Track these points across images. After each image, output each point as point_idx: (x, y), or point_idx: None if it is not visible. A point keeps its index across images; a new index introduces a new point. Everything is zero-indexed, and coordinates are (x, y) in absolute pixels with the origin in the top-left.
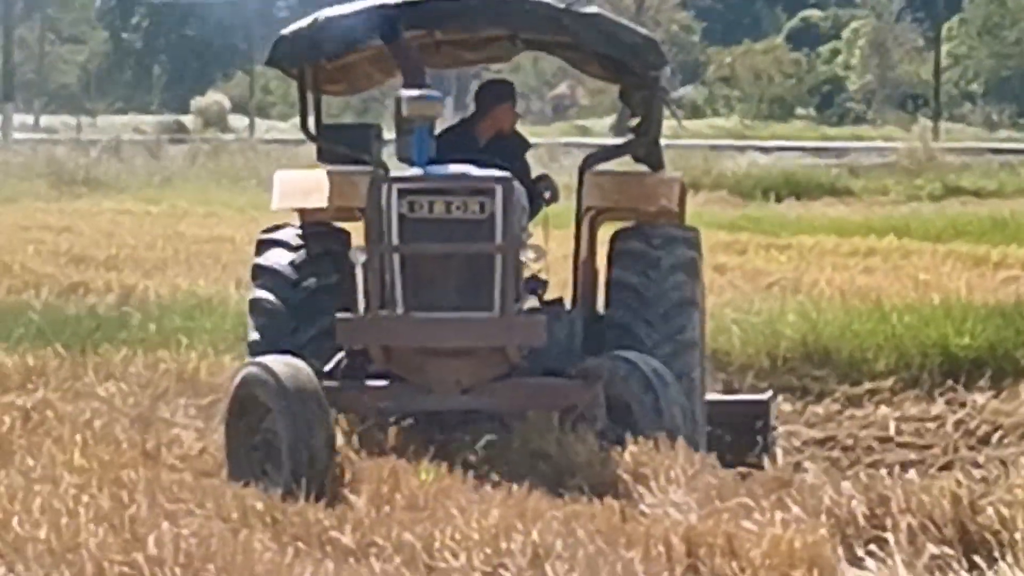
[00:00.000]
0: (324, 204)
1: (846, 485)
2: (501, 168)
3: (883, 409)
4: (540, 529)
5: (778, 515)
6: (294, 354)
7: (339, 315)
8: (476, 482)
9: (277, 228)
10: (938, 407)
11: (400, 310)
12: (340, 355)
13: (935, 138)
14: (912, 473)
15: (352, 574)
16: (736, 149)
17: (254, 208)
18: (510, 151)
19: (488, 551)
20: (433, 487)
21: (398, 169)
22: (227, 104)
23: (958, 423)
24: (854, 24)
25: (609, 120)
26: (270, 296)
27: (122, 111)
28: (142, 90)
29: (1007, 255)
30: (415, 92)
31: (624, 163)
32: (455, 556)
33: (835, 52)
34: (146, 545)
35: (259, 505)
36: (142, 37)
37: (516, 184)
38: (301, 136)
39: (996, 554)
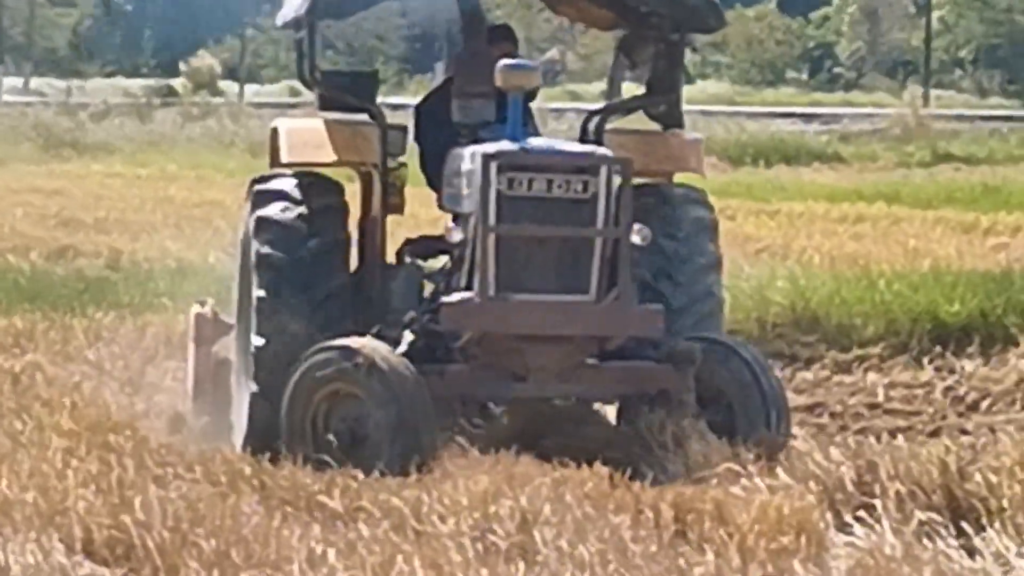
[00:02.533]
0: (334, 158)
1: (834, 451)
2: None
3: (872, 376)
4: (529, 494)
5: (766, 481)
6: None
7: (445, 299)
8: (465, 448)
9: (271, 177)
10: (927, 374)
11: (491, 291)
12: (410, 337)
13: (925, 105)
14: (900, 440)
15: (340, 538)
16: (726, 115)
17: (244, 172)
18: (503, 104)
19: (476, 516)
20: None
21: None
22: (217, 68)
23: (947, 390)
24: None
25: (600, 85)
26: (278, 252)
27: (112, 74)
28: (132, 53)
29: (997, 222)
30: (510, 61)
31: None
32: (443, 521)
33: (826, 18)
34: (134, 508)
35: (247, 469)
36: (132, 0)
37: (622, 163)
38: (291, 100)
39: (984, 520)
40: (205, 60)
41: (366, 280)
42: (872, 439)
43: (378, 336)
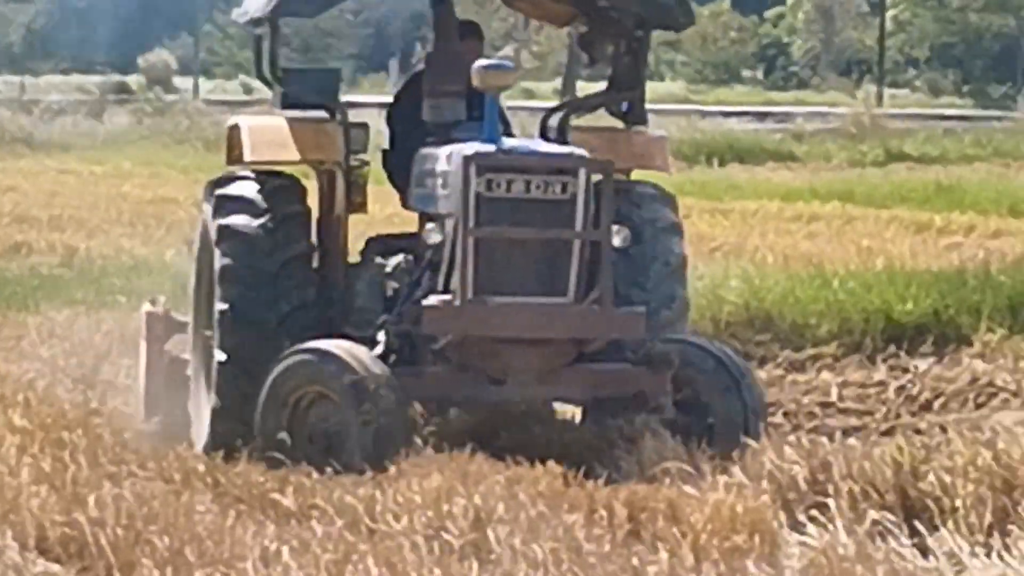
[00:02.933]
0: (299, 157)
1: (788, 451)
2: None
3: (825, 375)
4: (482, 493)
5: (720, 480)
6: (270, 332)
7: (426, 301)
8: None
9: (232, 180)
10: (880, 373)
11: (469, 294)
12: (384, 339)
13: (879, 104)
14: (854, 439)
15: (294, 536)
16: (680, 113)
17: (198, 169)
18: (480, 95)
19: (430, 514)
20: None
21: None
22: (173, 63)
23: (900, 389)
24: None
25: (555, 83)
26: (243, 265)
27: (67, 71)
28: (87, 50)
29: (950, 221)
30: (487, 61)
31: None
32: (397, 519)
33: (780, 16)
34: (87, 506)
35: (201, 467)
36: None
37: (602, 164)
38: (246, 97)
39: (937, 520)
40: (160, 56)
41: (329, 280)
42: (825, 438)
43: (348, 337)
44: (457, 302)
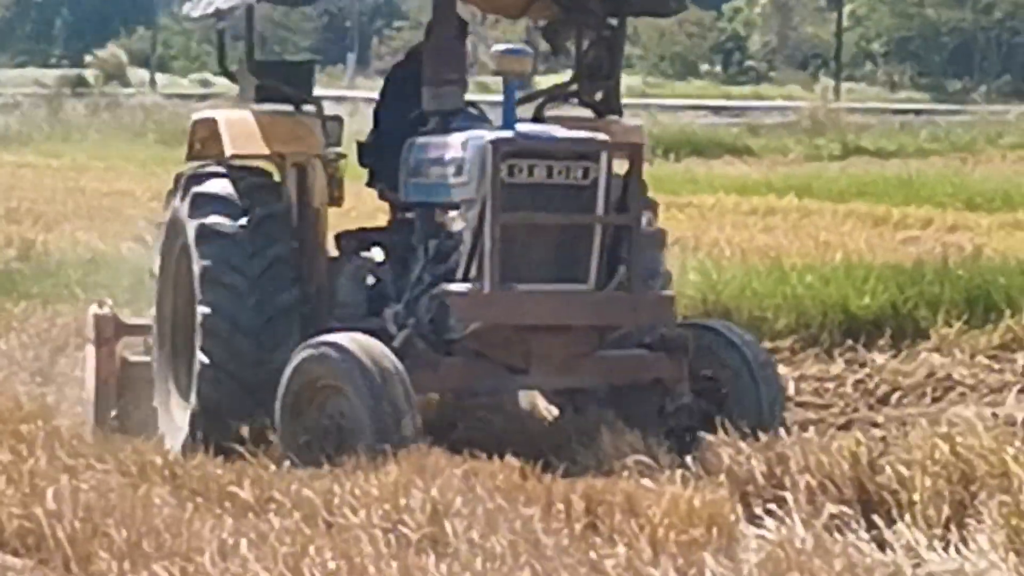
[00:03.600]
0: (280, 149)
1: (745, 444)
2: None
3: (783, 368)
4: (440, 486)
5: (678, 474)
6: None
7: (451, 287)
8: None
9: (205, 176)
10: (838, 367)
11: (496, 282)
12: (407, 331)
13: (836, 98)
14: (811, 432)
15: (251, 529)
16: (637, 107)
17: (155, 163)
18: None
19: (387, 507)
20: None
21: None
22: (124, 57)
23: (857, 383)
24: None
25: None
26: (225, 267)
27: (23, 64)
28: (43, 44)
29: (907, 215)
30: (505, 46)
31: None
32: (354, 512)
33: (737, 11)
34: (45, 499)
35: (158, 460)
36: None
37: (631, 148)
38: (203, 91)
39: (895, 513)
40: (111, 51)
41: (310, 276)
42: (783, 432)
43: (356, 329)
44: (486, 289)
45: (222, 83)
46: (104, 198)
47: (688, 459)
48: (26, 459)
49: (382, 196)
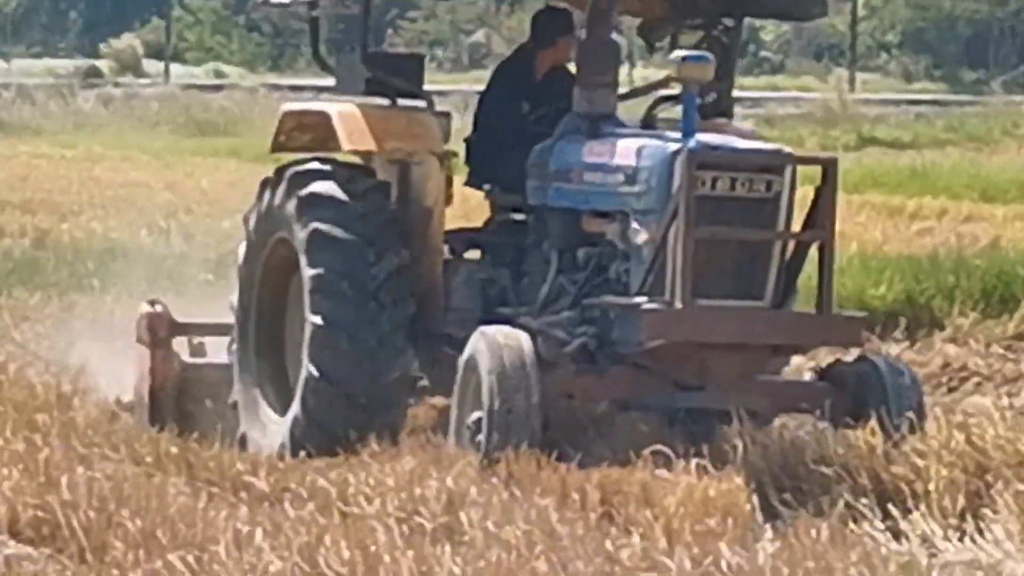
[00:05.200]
0: (399, 146)
1: (761, 435)
2: (558, 106)
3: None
4: (455, 476)
5: (693, 464)
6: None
7: (646, 305)
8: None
9: (311, 175)
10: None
11: (688, 298)
12: (581, 338)
13: (851, 89)
14: (827, 423)
15: (266, 519)
16: None
17: (169, 153)
18: (568, 87)
19: (403, 497)
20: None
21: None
22: (140, 48)
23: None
24: None
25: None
26: (341, 276)
27: (37, 55)
28: (58, 34)
29: (922, 206)
30: (686, 52)
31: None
32: (369, 502)
33: None
34: (60, 488)
35: (173, 449)
36: None
37: (826, 163)
38: (218, 81)
39: (910, 504)
40: (127, 42)
41: (424, 280)
42: (798, 423)
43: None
44: (678, 305)
45: (236, 73)
46: (119, 188)
47: (704, 449)
48: (41, 449)
49: (488, 196)
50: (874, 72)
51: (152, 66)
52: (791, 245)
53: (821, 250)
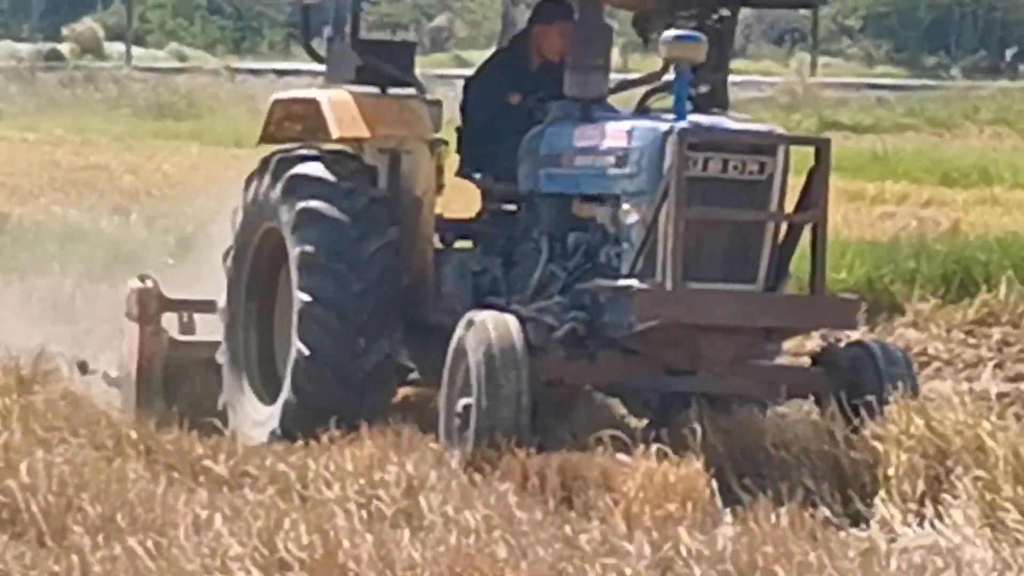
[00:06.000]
0: (390, 133)
1: (721, 419)
2: (554, 95)
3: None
4: (415, 460)
5: (652, 448)
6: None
7: (637, 285)
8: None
9: (299, 159)
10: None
11: (679, 279)
12: (569, 324)
13: (812, 73)
14: (786, 408)
15: (226, 503)
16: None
17: (130, 136)
18: (562, 78)
19: (362, 482)
20: None
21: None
22: (100, 31)
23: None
24: None
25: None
26: (328, 252)
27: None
28: (19, 18)
29: (884, 190)
30: (678, 32)
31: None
32: (329, 486)
33: None
34: (19, 473)
35: (133, 434)
36: None
37: (819, 143)
38: (179, 64)
39: (869, 489)
40: (87, 25)
41: (414, 266)
42: (757, 407)
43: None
44: (668, 286)
45: (198, 56)
46: (80, 172)
47: (664, 433)
48: (1, 433)
49: (479, 185)
50: (835, 56)
51: (114, 48)
52: (784, 227)
53: (814, 231)
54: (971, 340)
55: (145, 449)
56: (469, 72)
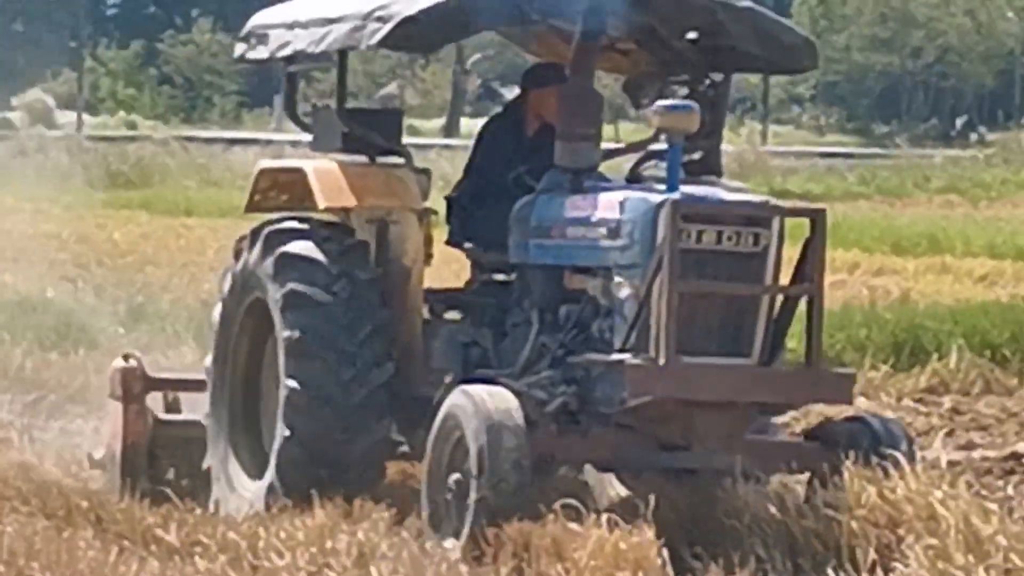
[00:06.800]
0: (378, 203)
1: (672, 488)
2: (549, 164)
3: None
4: (366, 529)
5: (604, 517)
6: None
7: (630, 360)
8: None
9: (288, 233)
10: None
11: (672, 354)
12: (561, 398)
13: (763, 141)
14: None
15: (177, 573)
16: None
17: (82, 205)
18: (538, 145)
19: (313, 550)
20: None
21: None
22: (50, 102)
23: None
24: None
25: (440, 121)
26: (317, 339)
27: None
28: None
29: (834, 258)
30: (671, 102)
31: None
32: (280, 555)
33: None
34: None
35: (84, 503)
36: None
37: (814, 214)
38: (130, 133)
39: (820, 557)
40: (36, 95)
41: (402, 340)
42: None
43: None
44: (661, 361)
45: (147, 125)
46: (29, 240)
47: (617, 502)
48: None
49: (469, 255)
50: (786, 125)
51: (65, 117)
52: (779, 300)
53: (810, 304)
54: (922, 408)
55: (96, 518)
56: (421, 140)
